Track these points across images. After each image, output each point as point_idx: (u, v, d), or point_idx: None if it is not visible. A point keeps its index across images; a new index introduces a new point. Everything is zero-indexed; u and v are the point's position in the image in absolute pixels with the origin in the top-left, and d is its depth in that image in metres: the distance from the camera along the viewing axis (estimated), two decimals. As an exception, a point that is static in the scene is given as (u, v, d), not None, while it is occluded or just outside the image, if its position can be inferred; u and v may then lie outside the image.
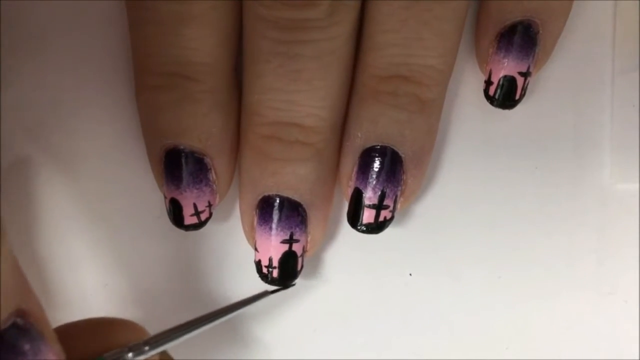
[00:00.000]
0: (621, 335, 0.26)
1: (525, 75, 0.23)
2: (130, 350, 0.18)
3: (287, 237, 0.23)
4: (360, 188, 0.23)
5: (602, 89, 0.26)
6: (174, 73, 0.22)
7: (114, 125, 0.25)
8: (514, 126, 0.25)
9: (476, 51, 0.24)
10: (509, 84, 0.23)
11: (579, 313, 0.26)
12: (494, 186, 0.26)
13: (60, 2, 0.25)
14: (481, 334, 0.26)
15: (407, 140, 0.23)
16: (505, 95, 0.23)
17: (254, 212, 0.23)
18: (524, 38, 0.23)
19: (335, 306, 0.26)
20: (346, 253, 0.26)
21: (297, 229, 0.23)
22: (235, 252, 0.26)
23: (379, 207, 0.23)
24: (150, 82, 0.23)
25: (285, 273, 0.24)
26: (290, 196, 0.23)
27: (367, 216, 0.23)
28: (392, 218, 0.23)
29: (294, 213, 0.23)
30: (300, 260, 0.24)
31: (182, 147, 0.23)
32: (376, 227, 0.23)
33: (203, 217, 0.24)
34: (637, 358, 0.26)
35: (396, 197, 0.23)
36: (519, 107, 0.24)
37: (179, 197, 0.23)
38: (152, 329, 0.20)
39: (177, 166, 0.23)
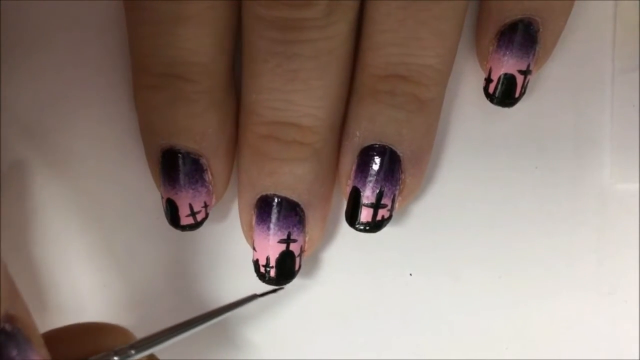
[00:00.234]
0: (621, 335, 0.26)
1: (525, 73, 0.23)
2: (116, 354, 0.19)
3: (285, 237, 0.23)
4: (358, 187, 0.23)
5: (602, 89, 0.26)
6: (169, 73, 0.22)
7: (113, 125, 0.25)
8: (514, 126, 0.25)
9: (477, 49, 0.24)
10: (509, 82, 0.23)
11: (579, 313, 0.26)
12: (494, 186, 0.26)
13: (60, 2, 0.25)
14: (481, 334, 0.26)
15: (405, 139, 0.23)
16: (505, 93, 0.23)
17: (252, 212, 0.23)
18: (524, 36, 0.23)
19: (335, 306, 0.26)
20: (346, 253, 0.26)
21: (295, 228, 0.23)
22: (234, 253, 0.26)
23: (376, 206, 0.23)
24: (147, 82, 0.23)
25: (282, 273, 0.24)
26: (287, 196, 0.23)
27: (365, 215, 0.23)
28: (390, 217, 0.23)
29: (291, 213, 0.23)
30: (298, 260, 0.24)
31: (178, 148, 0.23)
32: (374, 226, 0.23)
33: (199, 217, 0.24)
34: (637, 358, 0.26)
35: (394, 196, 0.23)
36: (518, 107, 0.24)
37: (174, 198, 0.23)
38: (148, 330, 0.20)
39: (173, 166, 0.23)
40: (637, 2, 0.25)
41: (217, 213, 0.25)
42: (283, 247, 0.23)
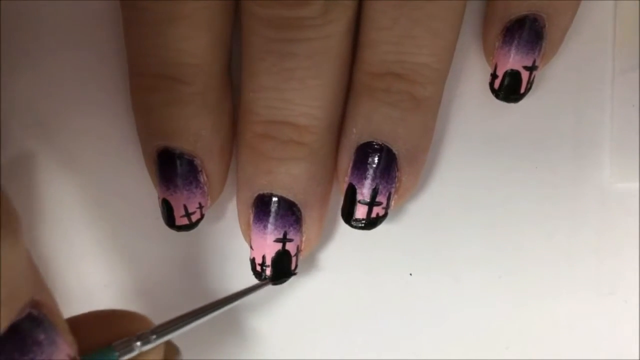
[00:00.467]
0: (621, 335, 0.26)
1: (531, 69, 0.23)
2: (138, 339, 0.19)
3: (281, 236, 0.23)
4: (354, 184, 0.23)
5: (602, 89, 0.25)
6: (163, 74, 0.22)
7: (115, 123, 0.25)
8: (514, 126, 0.25)
9: (483, 45, 0.24)
10: (514, 77, 0.23)
11: (579, 313, 0.26)
12: (494, 186, 0.26)
13: (60, 2, 0.25)
14: (481, 334, 0.26)
15: (400, 137, 0.23)
16: (510, 89, 0.24)
17: (250, 210, 0.23)
18: (529, 32, 0.23)
19: (335, 306, 0.26)
20: (346, 253, 0.26)
21: (291, 228, 0.23)
22: (235, 250, 0.26)
23: (371, 203, 0.23)
24: (142, 83, 0.23)
25: (278, 272, 0.24)
26: (284, 195, 0.23)
27: (360, 212, 0.23)
28: (385, 215, 0.23)
29: (288, 212, 0.23)
30: (294, 259, 0.24)
31: (172, 149, 0.23)
32: (369, 223, 0.23)
33: (194, 218, 0.24)
34: (637, 358, 0.26)
35: (390, 194, 0.23)
36: (519, 107, 0.24)
37: (169, 198, 0.23)
38: (155, 325, 0.20)
39: (168, 167, 0.23)
40: (637, 2, 0.25)
41: (219, 211, 0.26)
42: (279, 246, 0.23)
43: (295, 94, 0.22)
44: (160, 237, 0.25)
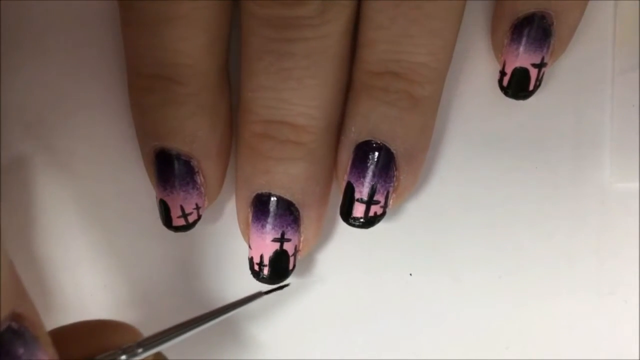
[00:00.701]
0: (621, 335, 0.26)
1: (540, 66, 0.23)
2: (123, 352, 0.18)
3: (279, 236, 0.23)
4: (352, 182, 0.23)
5: (602, 89, 0.25)
6: (159, 75, 0.22)
7: (114, 125, 0.25)
8: (514, 126, 0.25)
9: (492, 42, 0.24)
10: (522, 75, 0.23)
11: (579, 313, 0.26)
12: (494, 186, 0.26)
13: (60, 2, 0.25)
14: (481, 334, 0.26)
15: (398, 136, 0.23)
16: (518, 86, 0.24)
17: (249, 210, 0.24)
18: (537, 30, 0.23)
19: (335, 306, 0.26)
20: (346, 253, 0.26)
21: (289, 228, 0.23)
22: (234, 252, 0.26)
23: (369, 202, 0.23)
24: (139, 84, 0.23)
25: (275, 272, 0.24)
26: (282, 195, 0.23)
27: (358, 210, 0.23)
28: (383, 214, 0.24)
29: (286, 212, 0.23)
30: (292, 259, 0.24)
31: (169, 150, 0.23)
32: (366, 222, 0.23)
33: (191, 219, 0.24)
34: (637, 358, 0.26)
35: (388, 193, 0.23)
36: (518, 107, 0.24)
37: (166, 199, 0.23)
38: (151, 330, 0.20)
39: (165, 168, 0.23)
40: (637, 2, 0.25)
41: (218, 211, 0.26)
42: (277, 246, 0.23)
43: (293, 93, 0.22)
44: (159, 238, 0.25)
